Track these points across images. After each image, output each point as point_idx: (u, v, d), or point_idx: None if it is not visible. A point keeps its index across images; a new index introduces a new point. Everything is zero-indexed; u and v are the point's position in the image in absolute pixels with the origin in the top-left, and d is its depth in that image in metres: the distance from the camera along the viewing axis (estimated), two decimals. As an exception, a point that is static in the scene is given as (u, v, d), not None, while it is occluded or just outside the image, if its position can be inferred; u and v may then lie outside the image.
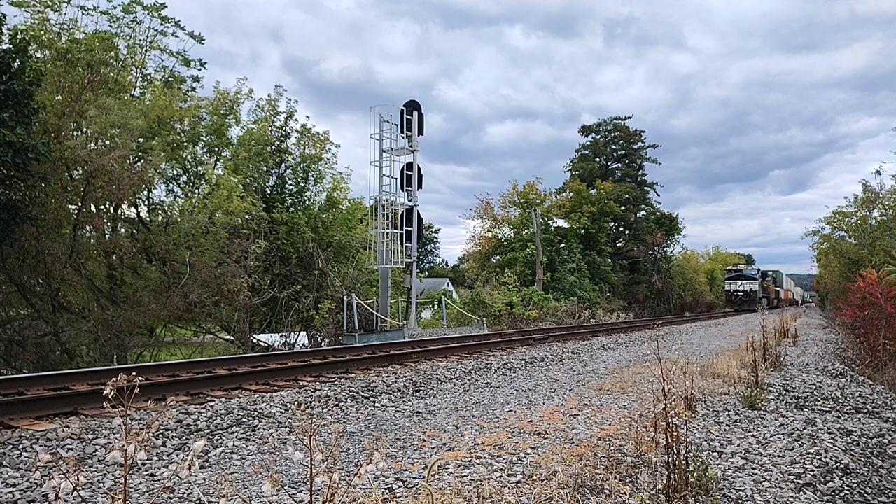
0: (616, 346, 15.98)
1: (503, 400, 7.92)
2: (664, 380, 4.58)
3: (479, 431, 5.90)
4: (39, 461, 1.74)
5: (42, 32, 18.46)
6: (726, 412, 7.15)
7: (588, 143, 57.26)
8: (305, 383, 8.69)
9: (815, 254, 49.77)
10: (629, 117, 56.65)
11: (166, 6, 22.23)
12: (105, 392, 1.78)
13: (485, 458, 4.89)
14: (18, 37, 14.82)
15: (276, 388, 8.29)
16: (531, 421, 6.36)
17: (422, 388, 8.91)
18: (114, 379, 1.77)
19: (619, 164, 56.73)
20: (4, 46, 14.28)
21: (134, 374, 1.85)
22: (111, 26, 21.17)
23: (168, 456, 5.27)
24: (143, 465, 4.86)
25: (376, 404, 7.79)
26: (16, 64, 14.15)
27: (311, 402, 7.39)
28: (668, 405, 4.42)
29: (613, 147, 57.02)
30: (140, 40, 22.26)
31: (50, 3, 19.29)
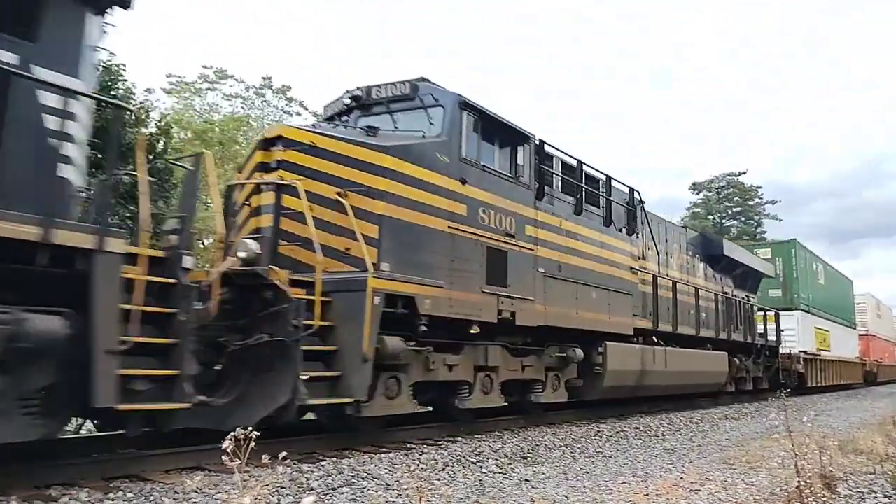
0: (740, 415, 14.86)
1: (616, 470, 7.53)
2: (796, 454, 4.20)
3: (591, 503, 5.62)
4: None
5: (183, 116, 20.66)
6: (872, 493, 6.39)
7: (700, 200, 55.34)
8: (412, 446, 8.70)
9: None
10: (744, 172, 54.41)
11: (291, 87, 24.32)
12: (224, 446, 1.88)
13: (597, 532, 4.64)
14: (163, 121, 16.68)
15: (384, 450, 8.34)
16: (647, 494, 5.99)
17: (529, 455, 8.65)
18: (232, 434, 1.88)
19: (735, 222, 54.21)
20: (152, 129, 16.09)
21: (250, 428, 1.94)
22: (243, 107, 23.35)
23: (281, 514, 5.39)
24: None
25: (483, 470, 7.63)
26: (160, 144, 15.86)
27: (419, 466, 7.36)
28: (803, 483, 4.03)
29: (728, 204, 54.72)
30: (269, 121, 24.33)
31: (195, 91, 21.64)
